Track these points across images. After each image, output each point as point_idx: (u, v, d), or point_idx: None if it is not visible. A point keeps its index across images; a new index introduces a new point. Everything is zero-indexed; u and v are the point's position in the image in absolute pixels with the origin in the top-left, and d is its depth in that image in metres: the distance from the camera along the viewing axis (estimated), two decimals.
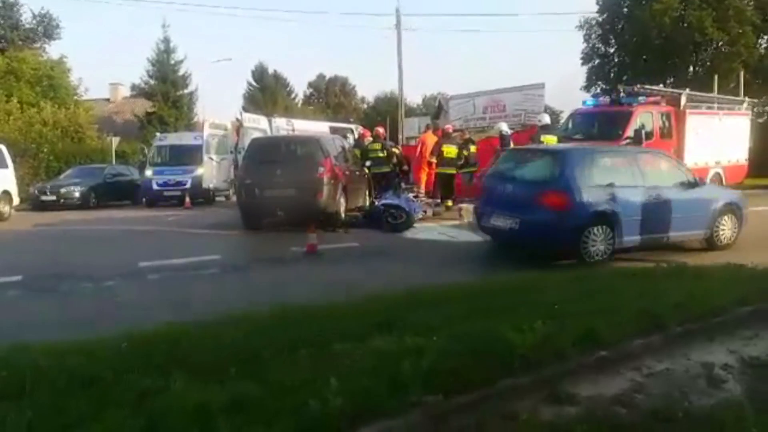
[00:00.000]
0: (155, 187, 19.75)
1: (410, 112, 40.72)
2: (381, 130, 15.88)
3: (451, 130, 15.98)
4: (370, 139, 15.24)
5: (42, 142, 24.83)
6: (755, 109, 20.67)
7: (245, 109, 31.72)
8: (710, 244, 8.84)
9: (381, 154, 14.42)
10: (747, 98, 19.04)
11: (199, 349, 3.95)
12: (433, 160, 14.85)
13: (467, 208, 13.03)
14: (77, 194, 19.27)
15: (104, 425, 2.94)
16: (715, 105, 17.31)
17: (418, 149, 16.09)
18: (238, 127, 16.89)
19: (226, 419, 2.94)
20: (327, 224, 11.20)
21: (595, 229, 7.70)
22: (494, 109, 22.48)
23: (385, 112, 44.59)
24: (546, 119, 14.87)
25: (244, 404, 3.12)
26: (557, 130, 15.70)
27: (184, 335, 4.25)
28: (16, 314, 6.03)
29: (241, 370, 3.62)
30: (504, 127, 15.85)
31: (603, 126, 15.30)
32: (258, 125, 17.35)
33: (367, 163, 14.60)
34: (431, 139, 15.57)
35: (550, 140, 13.94)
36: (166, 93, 35.70)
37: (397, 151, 15.61)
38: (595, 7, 32.41)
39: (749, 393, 3.66)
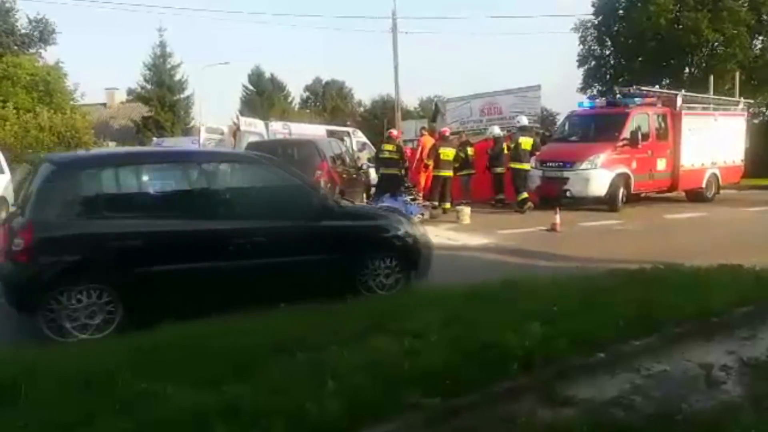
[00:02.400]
0: None
1: (407, 115, 40.64)
2: (395, 132, 16.00)
3: (447, 133, 15.99)
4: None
5: (38, 147, 24.75)
6: (751, 110, 20.70)
7: (242, 113, 31.68)
8: None
9: (395, 156, 14.03)
10: (743, 99, 19.08)
11: (193, 353, 3.92)
12: (429, 162, 14.83)
13: (465, 210, 13.01)
14: None
15: (96, 430, 2.91)
16: (711, 106, 17.34)
17: (418, 152, 16.08)
18: (235, 130, 16.84)
19: (221, 423, 2.91)
20: None
21: None
22: (490, 112, 22.49)
23: (382, 116, 44.58)
24: (523, 120, 15.01)
25: (239, 408, 3.09)
26: (556, 132, 15.75)
27: (177, 339, 4.22)
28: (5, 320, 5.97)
29: (236, 373, 3.59)
30: (497, 130, 16.00)
31: (599, 127, 15.34)
32: (254, 129, 17.30)
33: (363, 167, 14.52)
34: (430, 142, 15.56)
35: (526, 142, 14.10)
36: (163, 97, 35.64)
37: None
38: (591, 9, 32.50)
39: (748, 394, 3.64)
